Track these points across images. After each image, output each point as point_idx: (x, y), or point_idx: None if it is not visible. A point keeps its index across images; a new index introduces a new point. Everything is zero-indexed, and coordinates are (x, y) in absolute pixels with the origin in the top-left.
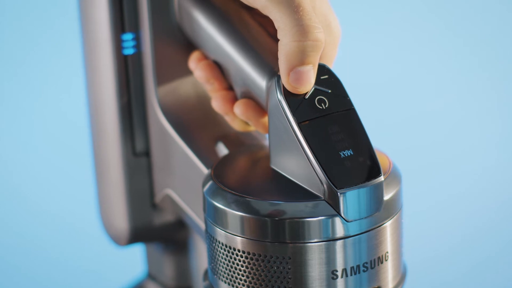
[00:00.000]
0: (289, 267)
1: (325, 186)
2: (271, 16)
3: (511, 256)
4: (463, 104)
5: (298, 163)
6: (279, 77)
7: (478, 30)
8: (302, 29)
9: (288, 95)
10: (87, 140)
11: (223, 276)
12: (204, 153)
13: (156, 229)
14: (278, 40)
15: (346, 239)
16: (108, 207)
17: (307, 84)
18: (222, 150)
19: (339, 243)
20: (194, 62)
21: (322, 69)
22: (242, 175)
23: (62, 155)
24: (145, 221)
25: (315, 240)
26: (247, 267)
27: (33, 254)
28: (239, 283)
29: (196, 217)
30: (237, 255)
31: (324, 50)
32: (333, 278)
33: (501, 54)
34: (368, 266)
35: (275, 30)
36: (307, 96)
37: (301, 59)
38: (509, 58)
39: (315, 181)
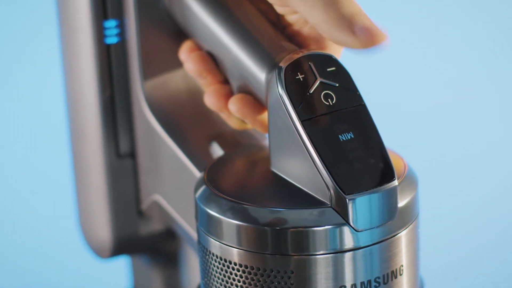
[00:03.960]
0: (292, 282)
1: (332, 191)
2: (300, 11)
3: None
4: (484, 99)
5: (301, 165)
6: (280, 69)
7: (504, 19)
8: (345, 22)
9: (291, 89)
10: (65, 140)
11: None
12: (197, 154)
13: (143, 240)
14: (276, 29)
15: (356, 251)
16: (89, 215)
17: (379, 33)
18: (217, 150)
19: (348, 256)
20: (185, 53)
21: (329, 60)
22: (239, 179)
23: (37, 157)
24: (131, 230)
25: (321, 252)
26: (244, 282)
27: (4, 268)
28: None
29: (188, 226)
30: (233, 268)
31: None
32: None
33: None
34: (381, 281)
35: (277, 17)
36: (311, 90)
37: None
38: None
39: (321, 185)
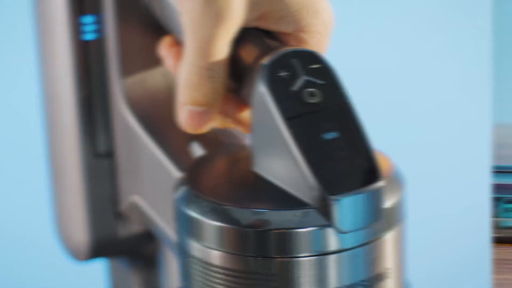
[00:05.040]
0: (275, 285)
1: (315, 192)
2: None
3: None
4: (477, 100)
5: (284, 165)
6: (263, 66)
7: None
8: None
9: (274, 87)
10: (41, 139)
11: None
12: (176, 154)
13: (121, 242)
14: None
15: (340, 253)
16: (65, 217)
17: (196, 127)
18: (197, 150)
19: (332, 258)
20: (164, 49)
21: (313, 57)
22: (220, 180)
23: (12, 157)
24: (108, 232)
25: (305, 254)
26: (226, 286)
27: None
28: None
29: (167, 228)
30: (214, 271)
31: (313, 39)
32: None
33: None
34: (366, 284)
35: None
36: (295, 88)
37: (192, 96)
38: None
39: (304, 186)
